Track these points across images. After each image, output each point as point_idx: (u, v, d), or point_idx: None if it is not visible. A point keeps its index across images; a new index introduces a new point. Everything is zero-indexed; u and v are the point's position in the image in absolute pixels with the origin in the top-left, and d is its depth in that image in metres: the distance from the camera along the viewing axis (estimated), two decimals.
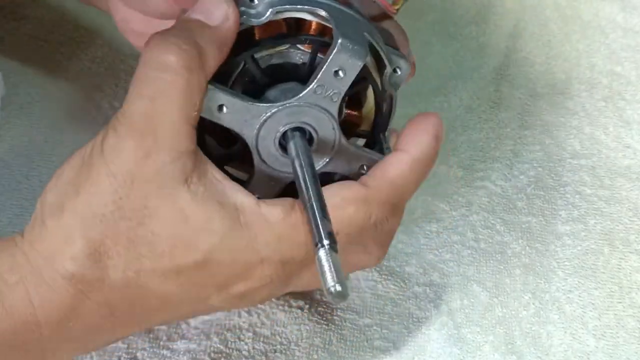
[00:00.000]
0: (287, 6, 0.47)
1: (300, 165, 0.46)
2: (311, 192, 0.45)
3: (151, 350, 0.55)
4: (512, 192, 0.65)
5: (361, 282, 0.59)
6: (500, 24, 0.80)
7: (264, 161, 0.48)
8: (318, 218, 0.44)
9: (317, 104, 0.47)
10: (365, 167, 0.50)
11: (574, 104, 0.71)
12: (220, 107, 0.46)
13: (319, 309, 0.57)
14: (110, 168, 0.44)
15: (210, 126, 0.47)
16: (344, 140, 0.49)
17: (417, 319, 0.57)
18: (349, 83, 0.46)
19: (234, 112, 0.46)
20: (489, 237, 0.62)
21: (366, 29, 0.48)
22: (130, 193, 0.44)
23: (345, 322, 0.56)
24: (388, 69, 0.49)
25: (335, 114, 0.47)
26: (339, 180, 0.49)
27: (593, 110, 0.71)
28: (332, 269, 0.42)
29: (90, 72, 0.74)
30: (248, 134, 0.47)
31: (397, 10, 0.50)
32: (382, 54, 0.49)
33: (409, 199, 0.50)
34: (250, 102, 0.46)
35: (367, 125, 0.52)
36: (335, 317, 0.56)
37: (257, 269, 0.47)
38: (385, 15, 0.52)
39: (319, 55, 0.48)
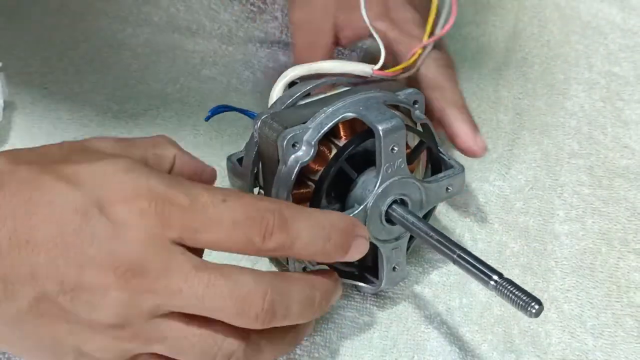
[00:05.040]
0: (319, 134, 0.52)
1: (422, 230, 0.51)
2: (451, 246, 0.50)
3: None
4: (510, 192, 0.65)
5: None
6: (499, 25, 0.80)
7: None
8: (476, 262, 0.49)
9: (393, 175, 0.52)
10: (450, 188, 0.56)
11: (572, 104, 0.72)
12: None
13: None
14: None
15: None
16: (428, 186, 0.54)
17: (417, 318, 0.57)
18: (405, 148, 0.52)
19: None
20: (487, 236, 0.62)
21: (378, 100, 0.53)
22: None
23: (345, 320, 0.57)
24: (414, 113, 0.55)
25: (407, 170, 0.52)
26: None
27: (591, 110, 0.71)
28: (521, 291, 0.47)
29: (89, 72, 0.74)
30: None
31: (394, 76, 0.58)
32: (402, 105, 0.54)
33: None
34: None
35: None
36: (335, 316, 0.57)
37: None
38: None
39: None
